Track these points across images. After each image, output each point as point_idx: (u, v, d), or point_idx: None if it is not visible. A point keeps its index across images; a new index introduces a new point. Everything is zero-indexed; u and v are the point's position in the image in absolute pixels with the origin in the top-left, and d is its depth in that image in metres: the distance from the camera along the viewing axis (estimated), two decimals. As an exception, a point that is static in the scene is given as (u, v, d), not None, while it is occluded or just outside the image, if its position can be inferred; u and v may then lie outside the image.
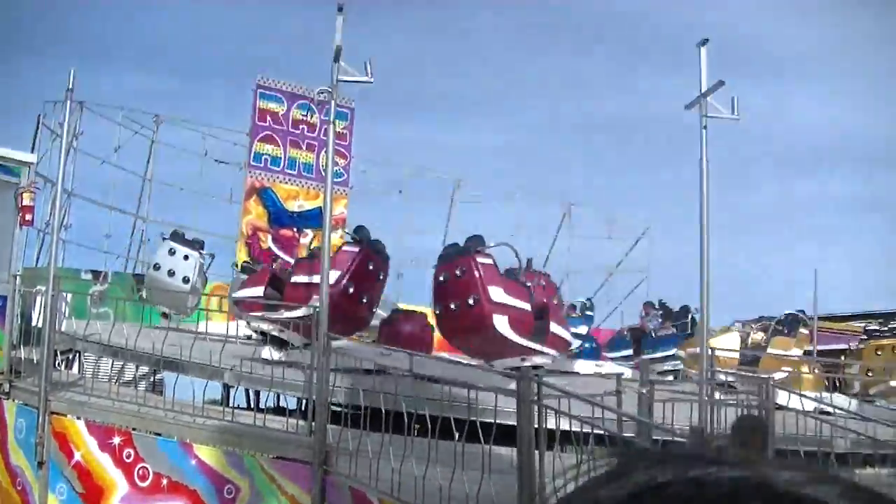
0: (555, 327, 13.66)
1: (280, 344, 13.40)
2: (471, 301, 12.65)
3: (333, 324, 11.40)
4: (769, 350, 17.92)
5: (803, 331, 19.02)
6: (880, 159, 71.24)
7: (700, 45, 10.95)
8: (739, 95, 10.71)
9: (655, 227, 33.21)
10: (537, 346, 13.18)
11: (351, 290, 13.01)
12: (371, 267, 13.59)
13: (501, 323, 12.77)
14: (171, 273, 17.44)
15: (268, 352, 12.97)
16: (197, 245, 18.41)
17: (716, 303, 17.10)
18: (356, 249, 13.56)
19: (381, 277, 14.11)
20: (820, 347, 20.27)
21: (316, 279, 12.19)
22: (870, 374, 17.82)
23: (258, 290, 14.03)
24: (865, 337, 20.15)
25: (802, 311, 19.76)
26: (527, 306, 13.26)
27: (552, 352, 13.56)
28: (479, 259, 13.05)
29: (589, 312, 25.18)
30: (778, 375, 15.59)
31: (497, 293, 12.90)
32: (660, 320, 23.64)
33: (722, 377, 14.76)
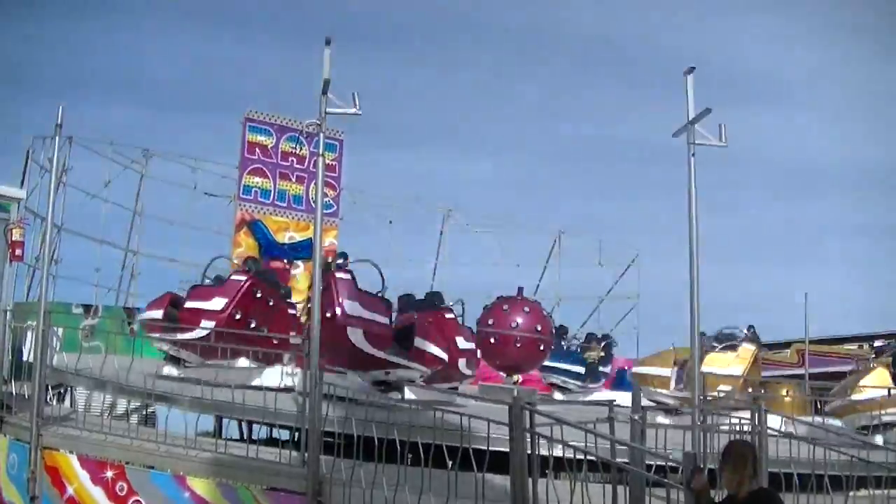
0: (423, 343, 14.24)
1: (176, 362, 15.01)
2: (328, 314, 12.98)
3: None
4: (703, 368, 17.14)
5: (749, 346, 18.47)
6: (872, 183, 71.53)
7: (687, 73, 11.01)
8: (730, 120, 10.80)
9: (646, 254, 33.36)
10: (399, 360, 13.83)
11: (238, 315, 14.81)
12: (259, 294, 15.38)
13: (356, 335, 13.48)
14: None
15: (168, 369, 14.74)
16: None
17: (708, 327, 17.22)
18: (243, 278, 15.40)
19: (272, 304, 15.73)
20: (811, 370, 20.25)
21: (205, 305, 14.84)
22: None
23: (158, 313, 15.16)
24: (874, 355, 18.70)
25: (752, 328, 19.35)
26: (385, 320, 14.10)
27: (419, 367, 14.12)
28: (338, 275, 13.86)
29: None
30: (713, 393, 15.40)
31: (353, 307, 13.57)
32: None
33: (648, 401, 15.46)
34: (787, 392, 19.43)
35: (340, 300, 13.47)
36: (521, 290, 22.78)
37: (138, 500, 10.73)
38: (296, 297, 20.54)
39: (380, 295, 14.67)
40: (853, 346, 30.65)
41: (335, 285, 13.54)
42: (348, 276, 14.00)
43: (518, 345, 21.13)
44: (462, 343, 16.38)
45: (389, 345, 13.84)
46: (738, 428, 11.18)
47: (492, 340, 20.72)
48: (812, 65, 69.69)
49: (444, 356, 14.71)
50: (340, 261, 14.72)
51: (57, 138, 13.05)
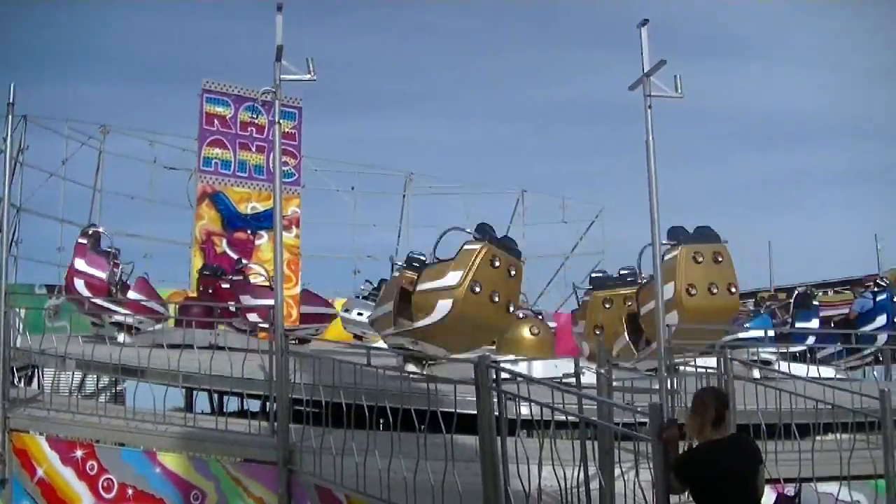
0: (134, 294, 17.67)
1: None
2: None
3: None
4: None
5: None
6: (833, 132, 71.96)
7: (640, 25, 10.98)
8: (691, 73, 10.80)
9: (611, 210, 33.46)
10: (110, 306, 17.22)
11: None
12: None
13: (80, 285, 17.31)
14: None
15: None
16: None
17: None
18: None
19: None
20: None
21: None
22: (598, 331, 14.86)
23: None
24: (591, 287, 16.08)
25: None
26: (102, 275, 17.66)
27: (126, 312, 16.91)
28: (79, 239, 18.16)
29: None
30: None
31: (80, 263, 17.64)
32: None
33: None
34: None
35: (73, 259, 17.90)
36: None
37: (109, 479, 10.70)
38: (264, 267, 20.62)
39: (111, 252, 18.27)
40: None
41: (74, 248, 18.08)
42: (84, 240, 17.90)
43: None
44: (81, 265, 18.27)
45: (106, 293, 17.40)
46: (705, 377, 11.27)
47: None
48: (771, 16, 69.71)
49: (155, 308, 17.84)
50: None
51: (10, 117, 12.88)
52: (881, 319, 19.46)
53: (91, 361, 12.31)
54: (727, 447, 6.58)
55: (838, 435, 10.62)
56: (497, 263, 12.83)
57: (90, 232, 18.34)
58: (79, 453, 10.87)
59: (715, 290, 13.60)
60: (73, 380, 14.73)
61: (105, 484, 10.70)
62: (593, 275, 16.83)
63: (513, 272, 13.14)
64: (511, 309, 13.32)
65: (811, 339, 17.51)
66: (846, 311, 21.23)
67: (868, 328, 18.99)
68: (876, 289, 20.11)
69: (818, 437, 10.60)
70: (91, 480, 10.69)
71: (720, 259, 13.79)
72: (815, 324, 18.56)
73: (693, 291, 13.49)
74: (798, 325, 18.27)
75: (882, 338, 18.92)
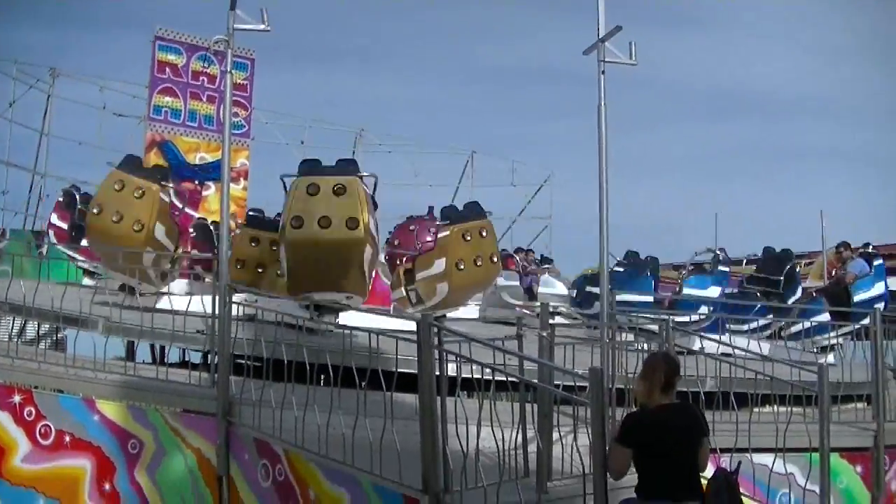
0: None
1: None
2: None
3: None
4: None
5: (723, 269, 18.64)
6: (784, 107, 72.53)
7: (597, -10, 10.97)
8: (647, 42, 10.82)
9: (561, 176, 33.60)
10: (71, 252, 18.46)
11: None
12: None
13: (51, 235, 19.08)
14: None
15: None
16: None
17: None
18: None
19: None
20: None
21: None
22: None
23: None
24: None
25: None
26: (65, 225, 18.85)
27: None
28: (58, 197, 19.64)
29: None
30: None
31: (53, 217, 19.19)
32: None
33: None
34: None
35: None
36: (430, 209, 22.77)
37: (47, 425, 10.62)
38: (209, 219, 20.47)
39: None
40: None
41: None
42: (61, 197, 18.99)
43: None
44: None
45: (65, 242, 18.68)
46: (645, 345, 11.37)
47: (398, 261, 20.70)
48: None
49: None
50: None
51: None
52: (880, 286, 18.40)
53: (32, 308, 12.17)
54: (675, 413, 6.65)
55: (776, 407, 10.76)
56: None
57: (69, 188, 19.11)
58: (17, 398, 10.77)
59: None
60: (13, 325, 14.58)
61: (42, 430, 10.62)
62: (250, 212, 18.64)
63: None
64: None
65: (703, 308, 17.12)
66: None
67: (865, 296, 18.26)
68: (869, 254, 19.07)
69: (756, 409, 10.73)
70: (28, 426, 10.60)
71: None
72: (711, 291, 18.05)
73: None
74: (687, 290, 17.88)
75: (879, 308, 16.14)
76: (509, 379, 8.53)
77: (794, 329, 16.50)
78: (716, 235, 26.81)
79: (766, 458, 9.50)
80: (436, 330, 7.63)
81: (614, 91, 10.96)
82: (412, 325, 7.77)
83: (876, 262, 18.68)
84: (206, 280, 15.29)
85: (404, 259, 17.01)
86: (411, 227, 21.50)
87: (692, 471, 6.62)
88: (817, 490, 9.32)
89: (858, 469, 11.60)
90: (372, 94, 66.21)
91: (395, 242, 21.06)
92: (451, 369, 8.18)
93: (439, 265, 15.11)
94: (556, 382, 8.97)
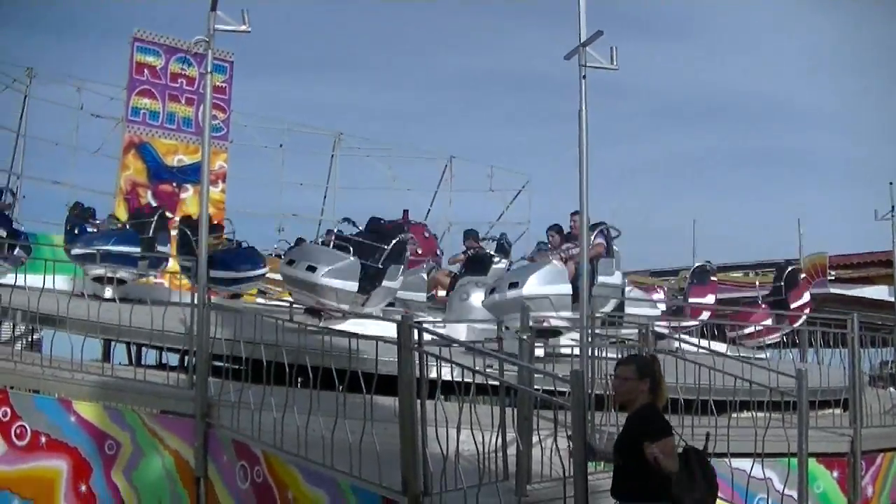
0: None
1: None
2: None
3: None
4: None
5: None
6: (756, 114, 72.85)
7: (578, -5, 10.96)
8: (629, 51, 10.81)
9: (539, 182, 33.66)
10: None
11: None
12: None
13: None
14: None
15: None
16: None
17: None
18: None
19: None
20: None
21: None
22: None
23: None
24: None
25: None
26: None
27: None
28: None
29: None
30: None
31: None
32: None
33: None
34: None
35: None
36: (405, 213, 22.80)
37: (23, 426, 10.54)
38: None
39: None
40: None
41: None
42: None
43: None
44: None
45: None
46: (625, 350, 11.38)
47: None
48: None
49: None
50: None
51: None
52: None
53: (7, 308, 12.09)
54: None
55: (754, 413, 10.79)
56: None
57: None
58: (-8, 399, 10.70)
59: None
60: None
61: (18, 431, 10.54)
62: None
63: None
64: None
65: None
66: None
67: None
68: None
69: (734, 414, 10.77)
70: (3, 427, 10.52)
71: None
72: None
73: None
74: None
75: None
76: (489, 382, 8.53)
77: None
78: (693, 242, 26.93)
79: (744, 463, 9.52)
80: (416, 332, 7.62)
81: (594, 101, 10.94)
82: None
83: None
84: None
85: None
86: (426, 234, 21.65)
87: None
88: (795, 495, 9.35)
89: (835, 474, 11.65)
90: (350, 100, 66.14)
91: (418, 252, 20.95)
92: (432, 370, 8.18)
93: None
94: (535, 386, 8.96)
